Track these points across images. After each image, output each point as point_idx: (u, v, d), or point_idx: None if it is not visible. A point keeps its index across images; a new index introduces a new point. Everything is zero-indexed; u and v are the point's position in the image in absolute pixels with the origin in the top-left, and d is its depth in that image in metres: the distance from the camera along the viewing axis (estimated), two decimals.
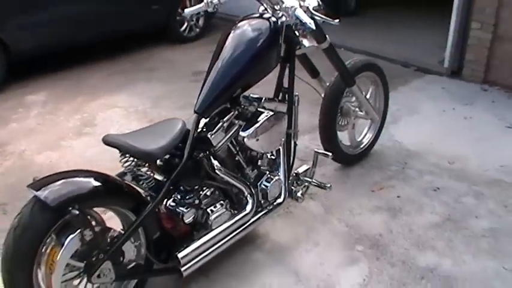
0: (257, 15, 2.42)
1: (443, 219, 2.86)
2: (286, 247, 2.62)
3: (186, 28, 5.90)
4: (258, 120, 2.32)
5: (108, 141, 2.05)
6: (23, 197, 2.98)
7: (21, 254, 1.77)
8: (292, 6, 2.18)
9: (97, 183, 1.92)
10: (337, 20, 2.30)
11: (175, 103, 4.31)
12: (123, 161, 2.12)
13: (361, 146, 3.44)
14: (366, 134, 3.48)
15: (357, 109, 3.24)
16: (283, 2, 2.26)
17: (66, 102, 4.35)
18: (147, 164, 2.17)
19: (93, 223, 1.88)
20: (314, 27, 2.13)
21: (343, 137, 3.28)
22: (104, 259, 1.90)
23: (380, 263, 2.51)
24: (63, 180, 1.86)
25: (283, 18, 2.33)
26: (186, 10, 2.61)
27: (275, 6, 2.40)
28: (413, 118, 4.14)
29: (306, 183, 2.67)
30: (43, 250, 1.82)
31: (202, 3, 2.53)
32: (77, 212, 1.77)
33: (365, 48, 5.55)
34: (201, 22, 6.00)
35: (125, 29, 5.41)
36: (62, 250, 1.78)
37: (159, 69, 5.16)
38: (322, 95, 3.07)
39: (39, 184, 1.82)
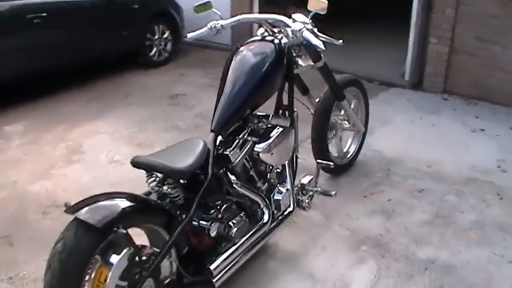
0: (259, 38, 2.64)
1: (433, 216, 3.16)
2: (297, 254, 2.81)
3: (155, 53, 6.04)
4: (271, 135, 2.50)
5: (138, 163, 2.11)
6: (26, 227, 3.05)
7: (69, 277, 1.80)
8: (300, 29, 2.40)
9: (133, 203, 2.01)
10: (341, 41, 2.55)
11: (159, 126, 4.43)
12: (150, 180, 2.21)
13: (348, 156, 3.71)
14: (350, 145, 3.75)
15: (344, 122, 3.51)
16: (289, 26, 2.47)
17: (47, 130, 4.36)
18: (168, 183, 2.22)
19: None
20: (324, 48, 2.36)
21: (331, 148, 3.53)
22: (146, 277, 1.98)
23: (386, 260, 2.75)
24: (101, 202, 1.93)
25: (285, 40, 2.56)
26: (189, 34, 2.79)
27: (274, 29, 2.64)
28: (386, 128, 4.48)
29: (311, 193, 2.87)
30: (88, 272, 1.86)
31: (205, 28, 2.72)
32: (124, 231, 1.86)
33: (331, 66, 5.88)
34: (169, 47, 6.16)
35: (97, 56, 5.48)
36: (111, 271, 1.84)
37: (135, 93, 5.26)
38: (312, 111, 3.32)
39: (77, 207, 1.87)
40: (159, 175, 2.17)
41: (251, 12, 6.22)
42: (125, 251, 1.88)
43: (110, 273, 1.85)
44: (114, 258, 1.87)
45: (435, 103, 5.15)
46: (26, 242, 2.90)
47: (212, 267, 2.23)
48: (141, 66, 5.96)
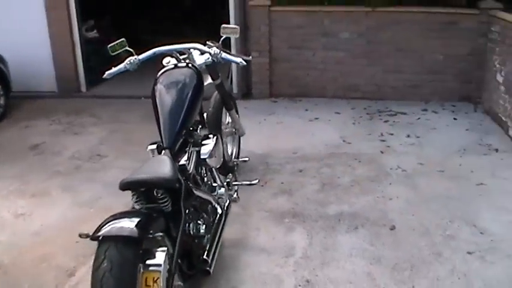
0: (172, 66, 3.01)
1: (321, 185, 3.98)
2: (241, 239, 3.28)
3: None
4: (209, 143, 2.93)
5: (129, 183, 2.28)
6: None
7: None
8: (219, 52, 2.93)
9: (142, 215, 2.21)
10: (251, 57, 3.13)
11: (41, 175, 4.27)
12: (134, 199, 2.35)
13: (233, 158, 4.31)
14: (233, 148, 4.37)
15: (228, 128, 4.12)
16: (206, 51, 2.96)
17: None
18: (157, 194, 2.37)
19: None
20: (245, 63, 2.93)
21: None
22: (174, 273, 2.21)
23: (307, 223, 3.43)
24: (119, 219, 2.09)
25: (196, 63, 3.05)
26: (108, 72, 3.04)
27: (181, 56, 3.09)
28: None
29: (236, 187, 3.39)
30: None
31: (123, 64, 3.01)
32: (161, 234, 2.12)
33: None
34: (2, 101, 5.81)
35: None
36: (161, 273, 2.05)
37: None
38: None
39: (100, 230, 2.02)
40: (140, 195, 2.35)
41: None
42: (165, 251, 2.12)
43: (160, 276, 2.05)
44: (158, 260, 2.08)
45: (268, 106, 6.12)
46: None
47: (206, 257, 2.58)
48: None
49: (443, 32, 5.78)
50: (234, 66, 6.29)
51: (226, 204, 3.16)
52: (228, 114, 3.99)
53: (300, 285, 2.80)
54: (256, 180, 3.47)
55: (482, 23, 5.59)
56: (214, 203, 2.95)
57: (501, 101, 5.12)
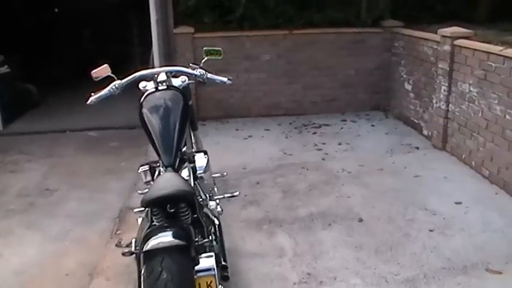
0: (153, 89, 3.18)
1: (282, 193, 4.35)
2: (230, 249, 3.47)
3: None
4: (200, 158, 3.15)
5: (153, 200, 2.35)
6: None
7: None
8: (205, 72, 3.19)
9: (179, 227, 2.32)
10: (230, 78, 3.37)
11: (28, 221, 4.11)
12: (156, 217, 2.42)
13: None
14: None
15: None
16: (191, 73, 3.20)
17: None
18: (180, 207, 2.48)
19: None
20: (231, 82, 3.22)
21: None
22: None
23: (285, 226, 3.77)
24: (160, 233, 2.19)
25: (175, 85, 3.28)
26: (92, 98, 3.12)
27: (159, 80, 3.28)
28: None
29: (218, 200, 3.61)
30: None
31: (107, 89, 3.12)
32: (206, 240, 2.30)
33: (94, 125, 6.36)
34: None
35: None
36: (215, 276, 2.20)
37: None
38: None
39: (147, 244, 2.12)
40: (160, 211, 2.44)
41: None
42: (213, 256, 2.29)
43: (215, 279, 2.21)
44: (209, 265, 2.23)
45: (199, 129, 6.34)
46: None
47: (225, 263, 2.77)
48: None
49: (354, 49, 6.56)
50: None
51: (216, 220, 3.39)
52: (192, 134, 4.21)
53: (303, 278, 3.12)
54: (237, 192, 3.71)
55: (386, 39, 6.46)
56: (211, 215, 3.18)
57: (412, 106, 5.95)
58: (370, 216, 3.86)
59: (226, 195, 3.62)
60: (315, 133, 6.05)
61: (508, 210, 3.85)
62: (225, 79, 3.23)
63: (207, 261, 2.28)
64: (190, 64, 3.34)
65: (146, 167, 3.29)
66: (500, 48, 4.04)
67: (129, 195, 4.40)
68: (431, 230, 3.60)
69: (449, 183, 4.40)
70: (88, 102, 3.18)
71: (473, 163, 4.60)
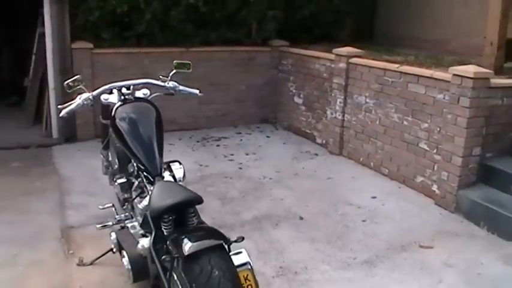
0: (122, 102, 3.26)
1: (219, 200, 4.64)
2: None
3: None
4: (176, 168, 3.28)
5: (166, 208, 2.51)
6: None
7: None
8: (176, 85, 3.38)
9: (205, 228, 2.65)
10: (199, 90, 3.54)
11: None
12: (166, 224, 2.60)
13: None
14: None
15: None
16: (162, 85, 3.37)
17: None
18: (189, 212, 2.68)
19: None
20: (201, 94, 3.44)
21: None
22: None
23: (238, 230, 4.06)
24: (194, 237, 2.38)
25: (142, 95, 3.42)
26: (63, 111, 3.10)
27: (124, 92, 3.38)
28: None
29: None
30: None
31: (77, 102, 3.13)
32: (240, 237, 2.49)
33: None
34: None
35: None
36: (252, 270, 2.43)
37: None
38: None
39: (188, 247, 2.29)
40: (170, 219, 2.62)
41: None
42: (244, 251, 2.50)
43: (250, 271, 2.43)
44: (244, 259, 2.46)
45: (98, 146, 6.26)
46: None
47: None
48: None
49: (245, 66, 7.09)
50: (53, 109, 6.23)
51: None
52: None
53: (279, 271, 3.49)
54: None
55: (274, 58, 7.13)
56: None
57: (303, 118, 6.68)
58: (308, 214, 4.38)
59: None
60: (218, 146, 6.41)
61: (414, 199, 4.71)
62: (196, 91, 3.48)
63: (242, 257, 2.49)
64: (160, 76, 3.52)
65: (123, 180, 3.38)
66: (397, 65, 4.92)
67: (63, 214, 4.28)
68: (363, 221, 4.25)
69: (358, 182, 5.15)
70: (61, 115, 3.17)
71: (371, 164, 5.43)
